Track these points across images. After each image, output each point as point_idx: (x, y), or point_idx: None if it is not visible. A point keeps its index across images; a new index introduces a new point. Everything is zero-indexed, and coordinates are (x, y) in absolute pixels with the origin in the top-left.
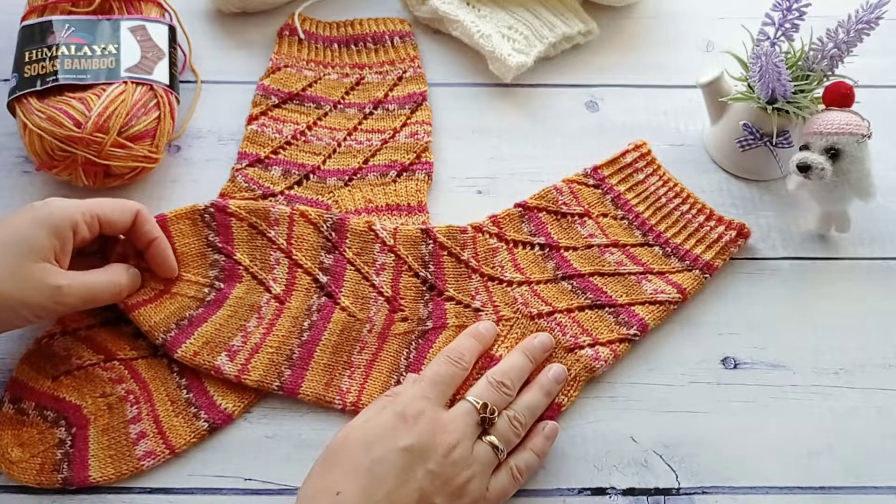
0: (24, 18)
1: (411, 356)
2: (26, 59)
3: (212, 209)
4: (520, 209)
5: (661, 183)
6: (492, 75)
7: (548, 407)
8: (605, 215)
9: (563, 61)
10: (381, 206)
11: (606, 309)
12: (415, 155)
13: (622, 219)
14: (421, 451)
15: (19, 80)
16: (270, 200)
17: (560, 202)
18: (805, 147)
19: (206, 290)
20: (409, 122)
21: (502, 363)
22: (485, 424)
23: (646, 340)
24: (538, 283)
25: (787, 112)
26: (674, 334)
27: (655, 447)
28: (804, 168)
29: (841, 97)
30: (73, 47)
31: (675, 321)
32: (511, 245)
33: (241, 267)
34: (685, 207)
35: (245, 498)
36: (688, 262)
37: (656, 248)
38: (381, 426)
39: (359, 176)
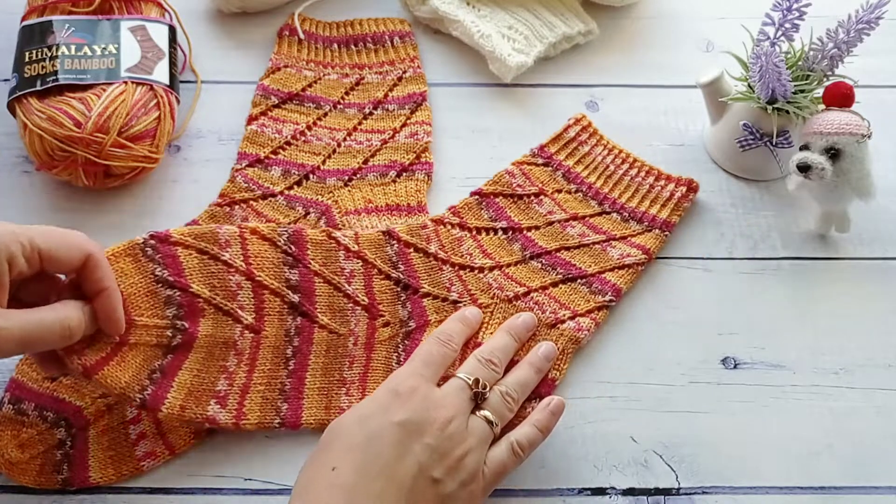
0: (24, 18)
1: (401, 359)
2: (26, 59)
3: (152, 241)
4: (476, 197)
5: (606, 152)
6: (492, 75)
7: (541, 383)
8: (559, 191)
9: (563, 61)
10: (381, 207)
11: (579, 281)
12: (414, 155)
13: (576, 192)
14: (416, 426)
15: (19, 80)
16: (269, 200)
17: (514, 185)
18: (805, 147)
19: (168, 333)
20: (408, 122)
21: (488, 343)
22: (477, 400)
23: (646, 340)
24: (508, 265)
25: (787, 112)
26: (674, 334)
27: (655, 447)
28: (804, 168)
29: (841, 97)
30: (73, 47)
31: (675, 321)
32: (475, 232)
33: (200, 299)
34: (633, 172)
35: (245, 498)
36: (646, 224)
37: (614, 215)
38: (375, 404)
39: (359, 176)
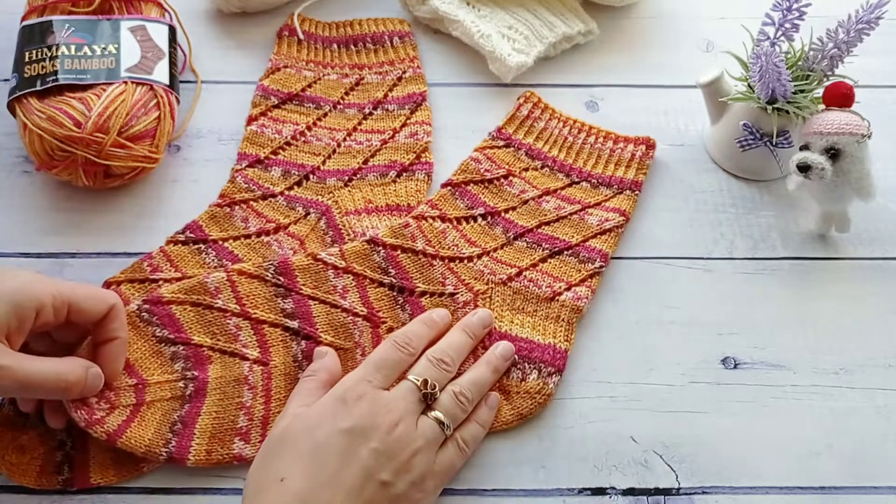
0: (24, 18)
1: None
2: (26, 59)
3: (146, 306)
4: (449, 188)
5: (561, 124)
6: (492, 75)
7: (555, 354)
8: (526, 169)
9: (563, 61)
10: (381, 207)
11: (565, 252)
12: (414, 155)
13: (543, 167)
14: (362, 432)
15: (19, 80)
16: (269, 200)
17: (482, 170)
18: (805, 147)
19: (180, 384)
20: (408, 122)
21: (441, 341)
22: (427, 401)
23: (646, 340)
24: (495, 250)
25: (787, 112)
26: (674, 334)
27: (655, 447)
28: (804, 168)
29: (841, 97)
30: (73, 47)
31: (675, 321)
32: (456, 223)
33: (203, 348)
34: (592, 139)
35: None
36: (616, 187)
37: (584, 184)
38: (322, 411)
39: (359, 176)
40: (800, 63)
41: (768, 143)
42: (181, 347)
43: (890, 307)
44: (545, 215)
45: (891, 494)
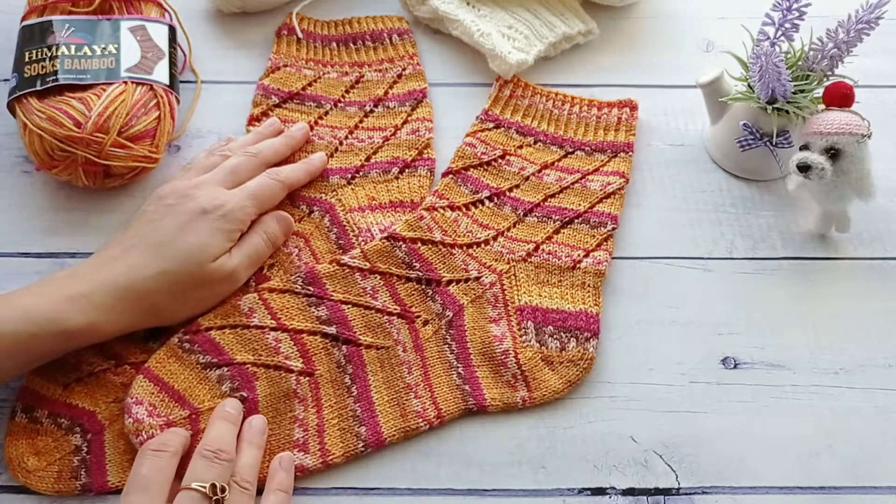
0: (24, 18)
1: (454, 348)
2: (26, 59)
3: (186, 336)
4: (451, 176)
5: (545, 99)
6: (492, 75)
7: (588, 319)
8: (520, 147)
9: (563, 61)
10: (385, 203)
11: (576, 221)
12: (416, 151)
13: (536, 143)
14: None
15: (19, 80)
16: None
17: (479, 154)
18: (805, 147)
19: None
20: (409, 119)
21: (208, 433)
22: None
23: (646, 340)
24: (508, 229)
25: (787, 112)
26: (674, 334)
27: (655, 447)
28: (804, 168)
29: (841, 97)
30: (73, 47)
31: (675, 321)
32: (465, 209)
33: (248, 365)
34: (576, 109)
35: None
36: (609, 151)
37: (578, 153)
38: None
39: (361, 174)
40: (800, 63)
41: (768, 143)
42: (226, 369)
43: (890, 307)
44: (549, 188)
45: (891, 494)
